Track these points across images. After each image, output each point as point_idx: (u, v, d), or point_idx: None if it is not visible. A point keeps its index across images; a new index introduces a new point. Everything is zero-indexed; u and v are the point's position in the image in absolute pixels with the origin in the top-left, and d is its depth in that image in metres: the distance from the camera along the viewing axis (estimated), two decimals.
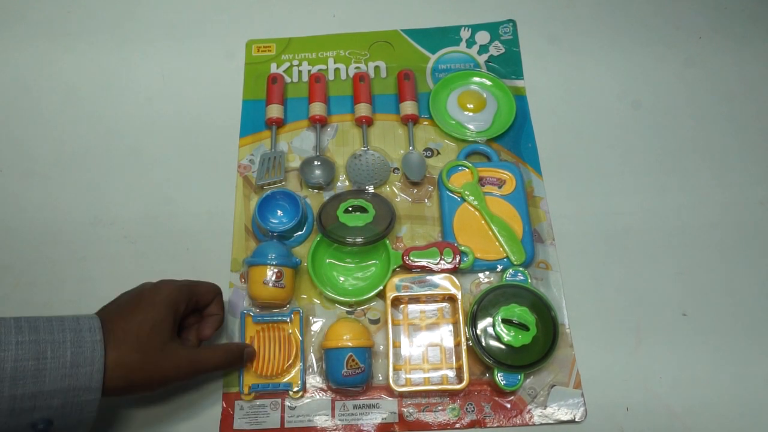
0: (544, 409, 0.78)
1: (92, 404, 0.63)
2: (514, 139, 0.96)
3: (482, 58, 1.04)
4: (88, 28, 1.09)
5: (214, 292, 0.78)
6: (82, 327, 0.63)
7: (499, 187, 0.90)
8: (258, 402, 0.79)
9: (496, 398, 0.79)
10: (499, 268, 0.85)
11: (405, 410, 0.79)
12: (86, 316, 0.65)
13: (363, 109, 0.97)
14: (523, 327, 0.77)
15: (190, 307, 0.75)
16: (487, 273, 0.86)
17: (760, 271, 0.87)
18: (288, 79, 1.02)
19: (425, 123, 0.98)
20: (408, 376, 0.80)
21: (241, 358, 0.77)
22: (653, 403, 0.79)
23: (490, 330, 0.78)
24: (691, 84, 1.01)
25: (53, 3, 1.12)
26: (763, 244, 0.88)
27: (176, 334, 0.72)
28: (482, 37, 1.06)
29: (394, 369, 0.79)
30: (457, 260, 0.84)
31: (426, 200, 0.92)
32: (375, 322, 0.84)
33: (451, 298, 0.83)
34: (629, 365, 0.81)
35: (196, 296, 0.76)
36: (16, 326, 0.60)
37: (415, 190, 0.92)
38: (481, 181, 0.90)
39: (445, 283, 0.83)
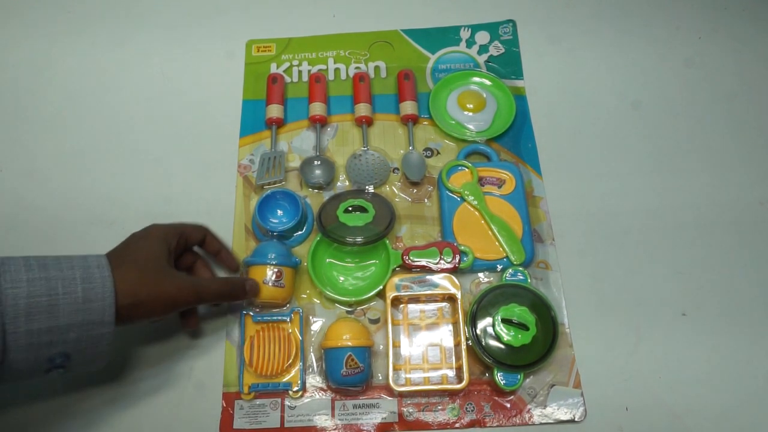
0: (544, 408, 0.78)
1: (107, 337, 0.64)
2: (514, 139, 0.96)
3: (482, 58, 1.04)
4: (89, 28, 1.09)
5: (202, 229, 0.82)
6: (90, 264, 0.64)
7: (499, 187, 0.90)
8: (258, 401, 0.79)
9: (496, 398, 0.79)
10: (499, 267, 0.85)
11: (405, 410, 0.79)
12: (92, 255, 0.66)
13: (363, 109, 0.97)
14: (522, 327, 0.77)
15: (181, 244, 0.78)
16: (487, 273, 0.86)
17: (760, 271, 0.87)
18: (288, 79, 1.02)
19: (425, 123, 0.98)
20: (408, 375, 0.80)
21: (243, 289, 0.78)
22: (653, 403, 0.79)
23: (490, 330, 0.78)
24: (691, 84, 1.01)
25: (53, 3, 1.12)
26: (763, 244, 0.88)
27: (173, 265, 0.74)
28: (482, 37, 1.06)
29: (394, 369, 0.79)
30: (457, 260, 0.84)
31: (426, 200, 0.92)
32: (375, 321, 0.84)
33: (450, 298, 0.83)
34: (629, 365, 0.81)
35: (185, 235, 0.78)
36: (26, 264, 0.61)
37: (415, 190, 0.92)
38: (481, 181, 0.90)
39: (444, 282, 0.83)
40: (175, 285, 0.71)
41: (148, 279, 0.68)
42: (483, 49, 1.05)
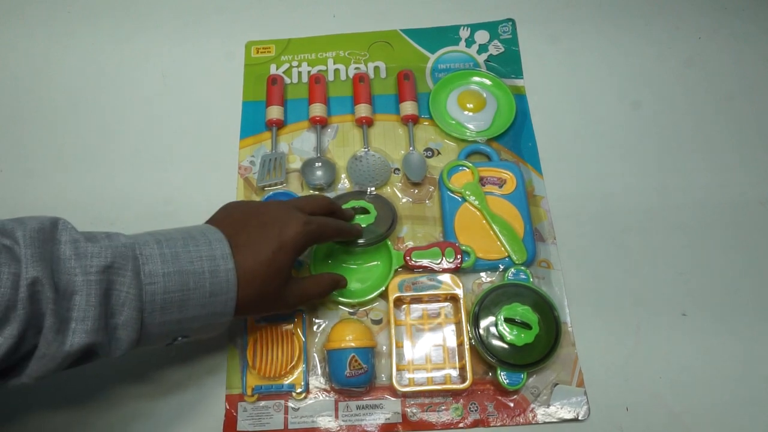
0: (547, 407, 0.78)
1: (225, 324, 0.68)
2: (515, 138, 0.96)
3: (482, 58, 1.04)
4: (89, 28, 1.09)
5: (342, 233, 0.80)
6: (216, 254, 0.65)
7: (500, 187, 0.90)
8: (261, 403, 0.79)
9: (500, 397, 0.79)
10: (501, 267, 0.85)
11: (408, 410, 0.79)
12: (216, 238, 0.67)
13: (363, 110, 0.97)
14: (525, 326, 0.77)
15: None
16: (489, 272, 0.86)
17: (760, 271, 0.87)
18: (288, 80, 1.02)
19: (425, 123, 0.98)
20: (411, 376, 0.80)
21: (336, 287, 0.80)
22: (653, 403, 0.79)
23: (493, 329, 0.78)
24: (691, 84, 1.01)
25: (53, 2, 1.12)
26: (763, 244, 0.88)
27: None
28: (481, 36, 1.06)
29: (397, 369, 0.79)
30: (459, 260, 0.84)
31: (427, 200, 0.92)
32: (377, 322, 0.84)
33: (453, 298, 0.83)
34: (629, 365, 0.81)
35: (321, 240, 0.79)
36: (161, 255, 0.62)
37: (416, 191, 0.92)
38: (482, 180, 0.90)
39: (447, 282, 0.83)
40: (284, 301, 0.73)
41: (264, 300, 0.70)
42: (482, 48, 1.05)
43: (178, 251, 0.63)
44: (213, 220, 0.72)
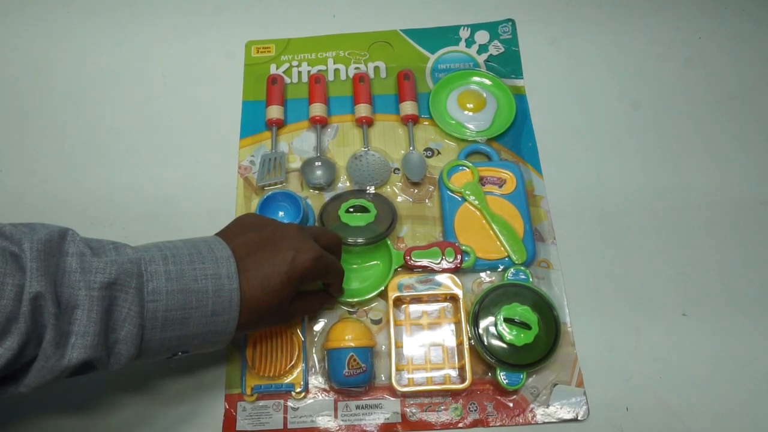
0: (547, 407, 0.78)
1: (225, 341, 0.69)
2: (515, 138, 0.96)
3: (482, 58, 1.04)
4: (88, 28, 1.09)
5: (339, 282, 0.80)
6: (221, 273, 0.65)
7: (500, 187, 0.90)
8: (261, 403, 0.79)
9: (499, 397, 0.79)
10: (501, 267, 0.85)
11: (408, 410, 0.79)
12: (223, 255, 0.66)
13: (363, 110, 0.97)
14: (525, 326, 0.77)
15: None
16: (489, 272, 0.86)
17: (760, 271, 0.87)
18: (288, 80, 1.02)
19: (425, 123, 0.98)
20: (410, 376, 0.80)
21: (327, 303, 0.84)
22: (653, 403, 0.79)
23: (492, 329, 0.78)
24: (691, 84, 1.01)
25: (53, 2, 1.12)
26: (763, 244, 0.88)
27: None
28: (481, 36, 1.06)
29: (397, 369, 0.79)
30: (459, 260, 0.84)
31: (427, 200, 0.92)
32: (377, 322, 0.84)
33: (452, 298, 0.83)
34: (629, 365, 0.81)
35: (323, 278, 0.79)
36: (166, 272, 0.63)
37: (416, 190, 0.92)
38: (482, 180, 0.90)
39: (446, 282, 0.83)
40: (279, 319, 0.77)
41: (262, 321, 0.71)
42: (482, 48, 1.05)
43: (183, 268, 0.64)
44: (225, 233, 0.72)
